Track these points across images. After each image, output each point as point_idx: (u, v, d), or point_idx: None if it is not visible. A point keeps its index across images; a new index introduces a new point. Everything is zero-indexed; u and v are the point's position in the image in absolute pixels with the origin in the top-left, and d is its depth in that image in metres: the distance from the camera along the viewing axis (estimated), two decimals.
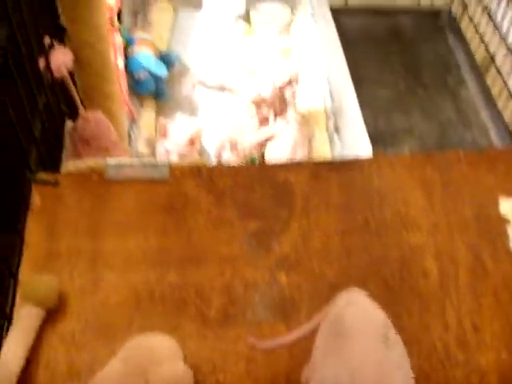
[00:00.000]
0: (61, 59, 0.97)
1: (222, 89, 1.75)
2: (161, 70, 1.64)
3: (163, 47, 1.83)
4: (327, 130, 1.64)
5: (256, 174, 0.82)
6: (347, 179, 0.82)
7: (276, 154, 1.48)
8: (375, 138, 1.43)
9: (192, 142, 1.51)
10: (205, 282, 0.71)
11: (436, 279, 0.73)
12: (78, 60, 1.04)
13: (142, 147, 1.51)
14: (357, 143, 1.46)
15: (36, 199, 0.78)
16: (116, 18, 1.33)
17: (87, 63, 1.07)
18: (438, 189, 0.81)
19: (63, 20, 1.01)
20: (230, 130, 1.58)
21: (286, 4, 2.01)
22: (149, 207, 0.78)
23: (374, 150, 1.39)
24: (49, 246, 0.74)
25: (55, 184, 0.79)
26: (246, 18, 2.00)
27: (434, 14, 2.19)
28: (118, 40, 1.38)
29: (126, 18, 1.75)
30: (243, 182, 0.80)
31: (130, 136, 1.48)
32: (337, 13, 1.89)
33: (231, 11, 2.01)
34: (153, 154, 1.54)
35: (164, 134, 1.52)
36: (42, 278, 0.69)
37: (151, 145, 1.57)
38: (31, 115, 0.84)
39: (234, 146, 1.52)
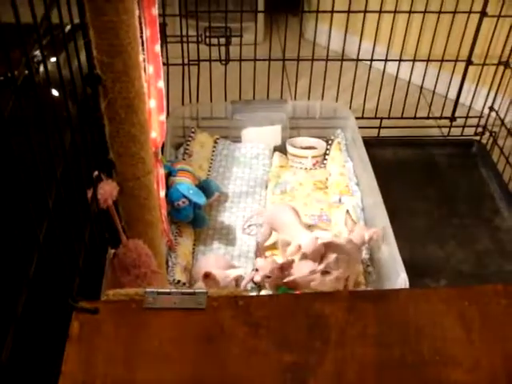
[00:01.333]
0: (108, 191, 1.02)
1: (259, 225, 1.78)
2: (199, 198, 1.67)
3: (203, 176, 1.91)
4: (362, 260, 1.64)
5: (291, 305, 0.82)
6: (383, 311, 0.81)
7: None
8: (411, 268, 1.42)
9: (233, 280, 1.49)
10: None
11: None
12: (123, 191, 1.10)
13: (178, 275, 1.52)
14: (392, 274, 1.45)
15: (75, 327, 0.79)
16: (160, 152, 1.41)
17: (132, 194, 1.12)
18: (477, 323, 0.80)
19: (112, 155, 1.08)
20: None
21: (321, 137, 2.10)
22: (184, 336, 0.78)
23: (409, 280, 1.38)
24: (84, 375, 0.74)
25: (95, 312, 0.81)
26: (283, 149, 2.08)
27: (464, 144, 2.25)
28: (161, 172, 1.45)
29: (168, 150, 1.85)
30: (279, 313, 0.81)
31: (167, 263, 1.51)
32: (369, 144, 1.95)
33: (268, 143, 2.10)
34: (189, 281, 1.55)
35: (208, 277, 1.45)
36: None
37: (188, 272, 1.58)
38: (77, 246, 0.88)
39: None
